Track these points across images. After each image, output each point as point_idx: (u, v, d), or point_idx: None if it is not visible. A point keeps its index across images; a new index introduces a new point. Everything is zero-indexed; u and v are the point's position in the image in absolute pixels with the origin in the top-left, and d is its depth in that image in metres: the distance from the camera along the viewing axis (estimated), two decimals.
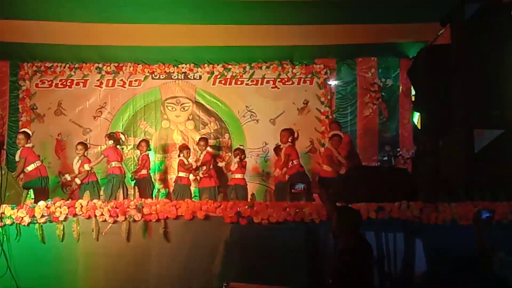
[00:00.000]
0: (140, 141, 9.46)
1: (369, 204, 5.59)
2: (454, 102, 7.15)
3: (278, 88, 10.30)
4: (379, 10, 7.90)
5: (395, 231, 5.52)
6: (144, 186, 9.05)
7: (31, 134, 8.57)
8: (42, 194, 7.18)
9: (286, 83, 10.29)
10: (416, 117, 9.85)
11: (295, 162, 8.68)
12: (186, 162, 9.19)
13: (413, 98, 9.92)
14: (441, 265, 5.27)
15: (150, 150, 9.54)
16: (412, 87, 9.85)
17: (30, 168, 8.18)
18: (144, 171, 9.23)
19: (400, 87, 10.11)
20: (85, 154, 8.83)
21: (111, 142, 8.90)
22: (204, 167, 9.20)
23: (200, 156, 9.30)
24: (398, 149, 9.74)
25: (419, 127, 9.69)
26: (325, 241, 5.46)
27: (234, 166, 9.18)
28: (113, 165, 8.83)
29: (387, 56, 10.07)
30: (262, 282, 4.57)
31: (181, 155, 9.27)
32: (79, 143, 8.94)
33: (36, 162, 8.24)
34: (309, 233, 5.49)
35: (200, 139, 9.57)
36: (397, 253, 5.50)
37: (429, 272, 5.34)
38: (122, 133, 9.47)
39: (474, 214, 4.05)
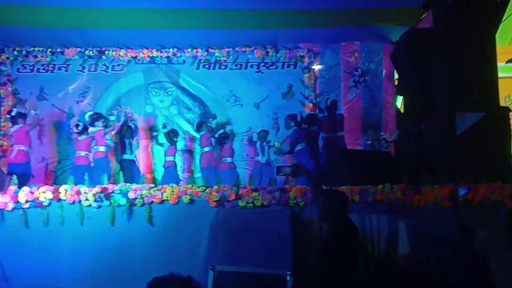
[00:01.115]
0: (122, 125, 9.38)
1: (352, 187, 5.64)
2: (436, 86, 7.20)
3: (262, 73, 10.29)
4: None
5: (378, 214, 5.58)
6: (129, 170, 9.02)
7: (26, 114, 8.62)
8: (24, 179, 7.16)
9: (270, 67, 10.29)
10: (399, 101, 9.93)
11: None
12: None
13: (396, 82, 10.00)
14: (424, 247, 5.35)
15: (135, 135, 9.50)
16: (395, 71, 9.94)
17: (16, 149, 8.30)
18: (129, 155, 9.22)
19: (384, 71, 10.16)
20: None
21: (97, 123, 8.79)
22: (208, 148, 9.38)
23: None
24: (382, 133, 9.81)
25: (402, 110, 9.78)
26: (310, 224, 5.51)
27: (225, 151, 9.26)
28: (100, 149, 8.75)
29: (371, 40, 10.09)
30: (247, 265, 4.61)
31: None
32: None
33: (23, 147, 8.27)
34: (294, 216, 5.53)
35: (199, 123, 9.67)
36: (381, 235, 5.56)
37: (412, 254, 5.42)
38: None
39: (450, 192, 4.12)
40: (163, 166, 9.54)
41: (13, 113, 8.62)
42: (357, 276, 4.22)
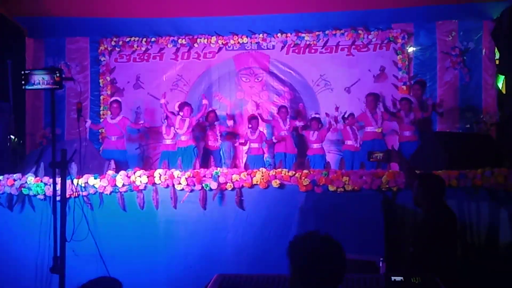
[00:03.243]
0: (209, 112, 9.53)
1: (450, 171, 5.38)
2: None
3: (353, 55, 10.02)
4: None
5: (478, 200, 5.29)
6: (214, 157, 9.21)
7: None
8: (121, 165, 7.48)
9: (361, 50, 10.00)
10: (501, 81, 9.37)
11: (369, 129, 8.83)
12: (250, 134, 9.35)
13: (497, 62, 9.43)
14: None
15: (218, 120, 9.61)
16: (496, 50, 9.38)
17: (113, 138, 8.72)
18: (214, 142, 9.38)
19: (483, 51, 9.57)
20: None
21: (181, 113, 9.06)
22: (286, 133, 9.30)
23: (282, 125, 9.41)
24: (481, 116, 9.29)
25: (503, 91, 9.23)
26: (403, 210, 5.33)
27: (313, 136, 9.15)
28: (182, 138, 9.07)
29: (469, 18, 9.53)
30: None
31: (249, 126, 9.35)
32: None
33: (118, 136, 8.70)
34: (386, 201, 5.37)
35: (281, 106, 9.57)
36: (481, 223, 5.28)
37: None
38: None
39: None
40: (246, 153, 9.55)
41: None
42: (455, 264, 4.02)
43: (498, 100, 9.31)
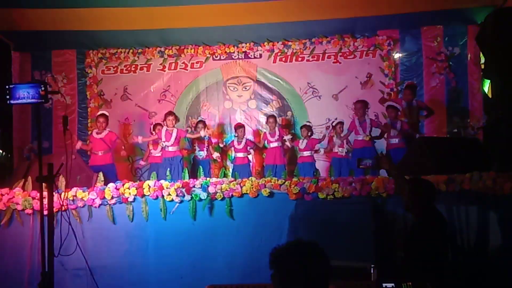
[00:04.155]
0: (197, 122, 9.50)
1: (438, 176, 5.39)
2: None
3: (340, 63, 10.08)
4: None
5: (467, 204, 5.30)
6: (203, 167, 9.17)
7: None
8: (110, 177, 7.41)
9: (348, 57, 10.06)
10: (487, 85, 9.45)
11: (357, 137, 8.81)
12: (236, 143, 9.36)
13: (482, 66, 9.52)
14: None
15: (207, 129, 9.50)
16: (481, 54, 9.46)
17: (100, 153, 8.62)
18: (202, 153, 9.34)
19: (469, 55, 9.67)
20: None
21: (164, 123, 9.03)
22: (276, 144, 9.28)
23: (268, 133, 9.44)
24: (468, 120, 9.35)
25: (489, 95, 9.30)
26: (393, 215, 5.34)
27: (302, 144, 9.16)
28: (169, 149, 8.99)
29: (454, 23, 9.62)
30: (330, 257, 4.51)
31: (235, 135, 9.33)
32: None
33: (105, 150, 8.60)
34: (376, 207, 5.38)
35: (270, 116, 9.57)
36: (470, 226, 5.28)
37: (505, 245, 5.10)
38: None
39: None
40: (233, 163, 9.51)
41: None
42: (446, 269, 4.03)
43: (484, 104, 9.38)
